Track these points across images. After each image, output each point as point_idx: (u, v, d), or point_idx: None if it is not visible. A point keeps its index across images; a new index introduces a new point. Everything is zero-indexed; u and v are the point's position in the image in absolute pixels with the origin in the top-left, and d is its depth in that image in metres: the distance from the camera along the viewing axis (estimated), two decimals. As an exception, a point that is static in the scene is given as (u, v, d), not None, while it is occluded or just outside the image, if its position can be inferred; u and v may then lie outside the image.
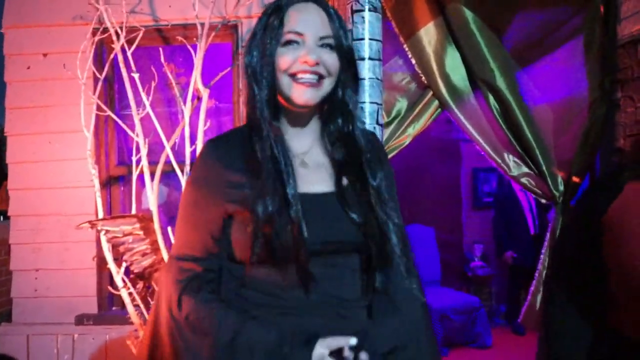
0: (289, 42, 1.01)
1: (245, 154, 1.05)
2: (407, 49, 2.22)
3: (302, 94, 1.00)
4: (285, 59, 1.00)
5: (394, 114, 2.29)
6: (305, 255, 0.97)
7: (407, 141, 2.27)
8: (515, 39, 2.22)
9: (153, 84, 1.99)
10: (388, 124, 2.29)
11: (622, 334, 0.99)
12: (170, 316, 1.03)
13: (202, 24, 1.93)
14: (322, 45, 1.02)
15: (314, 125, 1.11)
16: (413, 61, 2.22)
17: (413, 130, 2.27)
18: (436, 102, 2.25)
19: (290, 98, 1.01)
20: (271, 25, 1.02)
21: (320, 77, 1.01)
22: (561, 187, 2.17)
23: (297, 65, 0.99)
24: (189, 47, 2.09)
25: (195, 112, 2.02)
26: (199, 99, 1.89)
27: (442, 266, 4.72)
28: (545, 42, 2.23)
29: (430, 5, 2.19)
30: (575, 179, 2.15)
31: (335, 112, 1.09)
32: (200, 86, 1.86)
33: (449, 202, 4.95)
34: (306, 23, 1.01)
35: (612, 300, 1.03)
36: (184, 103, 1.86)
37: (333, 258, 1.04)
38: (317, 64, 0.99)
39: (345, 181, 1.08)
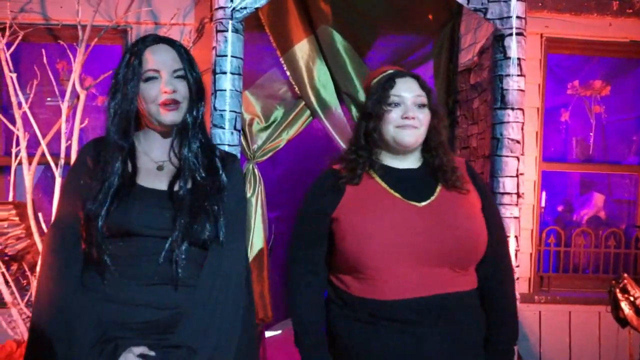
0: (149, 79, 1.27)
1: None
2: (283, 62, 2.49)
3: (168, 116, 1.27)
4: (149, 92, 1.26)
5: (271, 119, 2.56)
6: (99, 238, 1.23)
7: (282, 144, 2.55)
8: (376, 60, 2.56)
9: (35, 82, 2.12)
10: (266, 128, 2.55)
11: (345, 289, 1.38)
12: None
13: (84, 27, 2.09)
14: (176, 77, 1.28)
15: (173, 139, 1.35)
16: (288, 73, 2.50)
17: (287, 135, 2.55)
18: (308, 112, 2.54)
19: (160, 120, 1.28)
20: (132, 64, 1.27)
21: (177, 102, 1.27)
22: (410, 190, 2.52)
23: (161, 96, 1.26)
24: (77, 47, 2.24)
25: (86, 109, 2.18)
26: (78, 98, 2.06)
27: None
28: (402, 64, 2.58)
29: (304, 25, 2.47)
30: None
31: (188, 129, 1.33)
32: (78, 87, 2.02)
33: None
34: (160, 61, 1.27)
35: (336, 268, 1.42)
36: (62, 102, 2.01)
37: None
38: (174, 91, 1.26)
39: (181, 183, 1.30)
